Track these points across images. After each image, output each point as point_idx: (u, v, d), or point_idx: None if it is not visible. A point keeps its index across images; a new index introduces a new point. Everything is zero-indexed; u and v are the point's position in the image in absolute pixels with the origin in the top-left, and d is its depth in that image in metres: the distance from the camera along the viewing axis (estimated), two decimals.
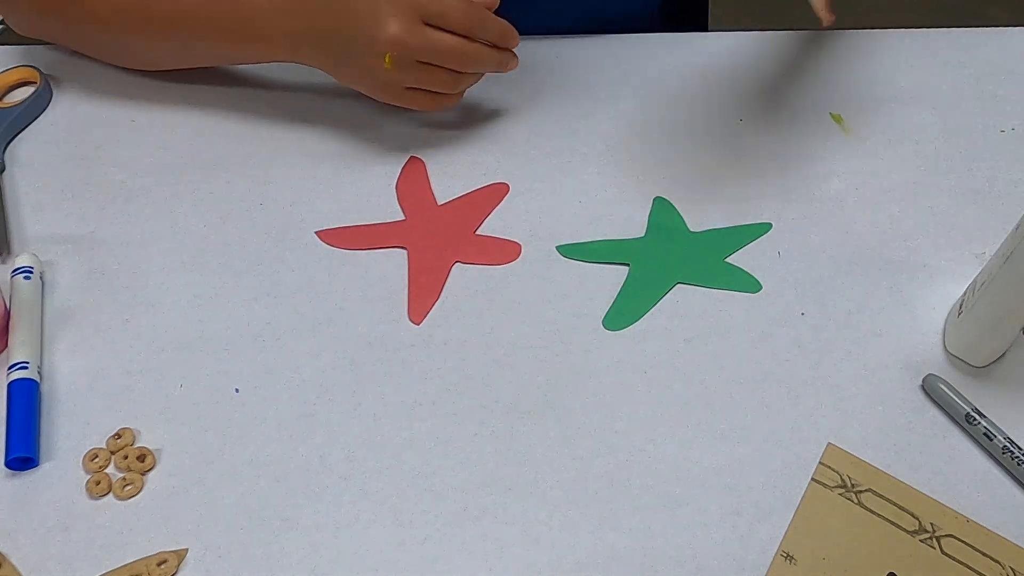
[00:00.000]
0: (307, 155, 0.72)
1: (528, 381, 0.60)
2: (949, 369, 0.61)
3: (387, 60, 0.64)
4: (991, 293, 0.58)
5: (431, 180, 0.71)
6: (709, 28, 0.96)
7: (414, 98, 0.69)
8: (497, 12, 0.67)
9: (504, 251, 0.67)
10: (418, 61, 0.65)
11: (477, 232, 0.68)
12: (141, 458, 0.56)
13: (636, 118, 0.75)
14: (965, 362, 0.62)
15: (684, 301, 0.65)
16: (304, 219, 0.69)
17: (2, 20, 0.82)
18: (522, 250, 0.67)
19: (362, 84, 0.69)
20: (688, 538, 0.54)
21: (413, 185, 0.71)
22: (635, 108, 0.76)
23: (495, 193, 0.70)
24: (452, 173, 0.71)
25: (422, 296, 0.64)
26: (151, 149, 0.73)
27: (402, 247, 0.67)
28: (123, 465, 0.56)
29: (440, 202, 0.70)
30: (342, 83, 0.70)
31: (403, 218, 0.69)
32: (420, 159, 0.72)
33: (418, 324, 0.63)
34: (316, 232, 0.68)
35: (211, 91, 0.76)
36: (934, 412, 0.60)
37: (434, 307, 0.64)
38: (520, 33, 0.68)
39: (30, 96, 0.75)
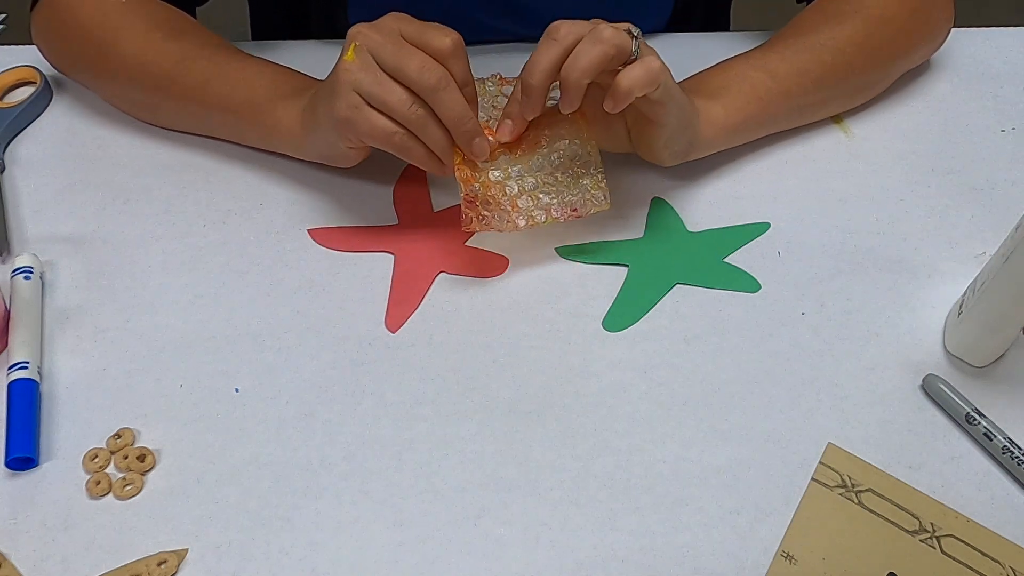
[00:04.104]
0: None
1: (528, 381, 0.60)
2: (949, 369, 0.61)
3: (350, 51, 0.59)
4: (991, 293, 0.58)
5: (430, 186, 0.71)
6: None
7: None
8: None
9: (491, 264, 0.66)
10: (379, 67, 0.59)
11: (468, 242, 0.68)
12: (141, 458, 0.56)
13: None
14: (965, 362, 0.62)
15: (684, 301, 0.65)
16: (304, 219, 0.68)
17: (3, 20, 0.82)
18: (509, 263, 0.66)
19: (328, 129, 0.63)
20: (688, 538, 0.54)
21: (410, 190, 0.70)
22: None
23: None
24: (452, 178, 0.71)
25: (400, 304, 0.64)
26: (151, 149, 0.73)
27: (390, 252, 0.67)
28: (123, 465, 0.56)
29: (436, 209, 0.70)
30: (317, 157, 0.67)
31: (396, 223, 0.69)
32: None
33: (394, 332, 0.63)
34: (308, 229, 0.68)
35: None
36: (934, 412, 0.60)
37: (434, 308, 0.64)
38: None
39: (30, 96, 0.75)
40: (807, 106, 0.73)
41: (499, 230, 0.63)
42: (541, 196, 0.64)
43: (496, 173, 0.64)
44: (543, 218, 0.63)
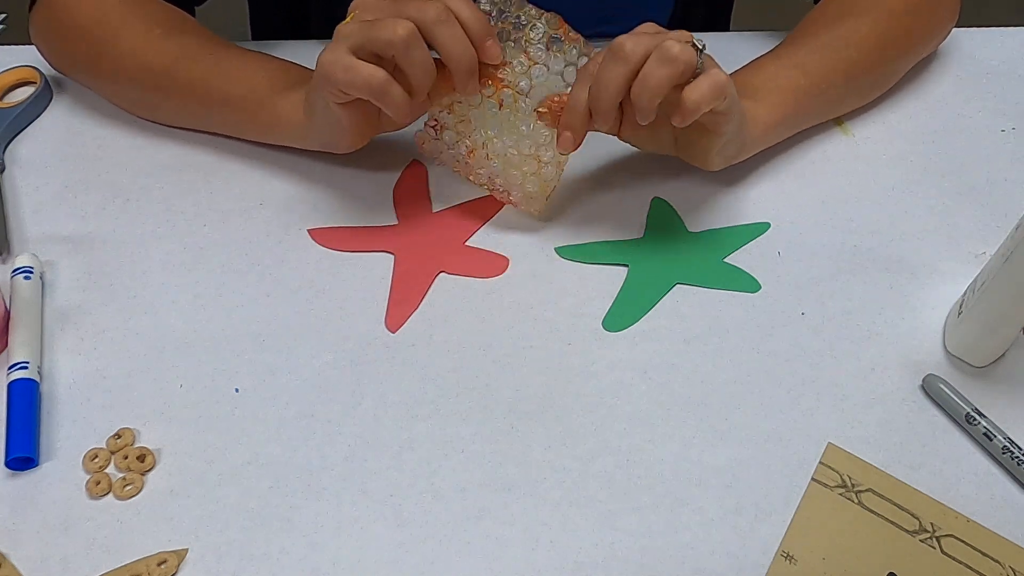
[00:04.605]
0: (307, 155, 0.72)
1: (528, 381, 0.60)
2: (949, 369, 0.62)
3: (348, 18, 0.60)
4: (991, 293, 0.58)
5: (430, 186, 0.71)
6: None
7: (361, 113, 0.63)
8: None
9: (490, 264, 0.66)
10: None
11: (468, 242, 0.68)
12: (141, 458, 0.56)
13: None
14: (965, 362, 0.62)
15: (684, 301, 0.65)
16: (304, 219, 0.68)
17: (3, 20, 0.82)
18: (509, 263, 0.66)
19: (320, 97, 0.63)
20: (688, 538, 0.54)
21: (411, 190, 0.70)
22: None
23: (492, 203, 0.69)
24: (452, 178, 0.71)
25: (400, 304, 0.64)
26: (151, 149, 0.73)
27: (389, 252, 0.67)
28: (123, 465, 0.56)
29: (436, 209, 0.70)
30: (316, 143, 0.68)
31: (396, 223, 0.69)
32: (422, 163, 0.72)
33: (394, 332, 0.63)
34: (308, 229, 0.68)
35: None
36: (934, 412, 0.60)
37: (434, 308, 0.64)
38: None
39: (30, 96, 0.75)
40: (832, 102, 0.73)
41: (441, 163, 0.67)
42: (494, 162, 0.65)
43: (480, 109, 0.63)
44: (482, 181, 0.66)
